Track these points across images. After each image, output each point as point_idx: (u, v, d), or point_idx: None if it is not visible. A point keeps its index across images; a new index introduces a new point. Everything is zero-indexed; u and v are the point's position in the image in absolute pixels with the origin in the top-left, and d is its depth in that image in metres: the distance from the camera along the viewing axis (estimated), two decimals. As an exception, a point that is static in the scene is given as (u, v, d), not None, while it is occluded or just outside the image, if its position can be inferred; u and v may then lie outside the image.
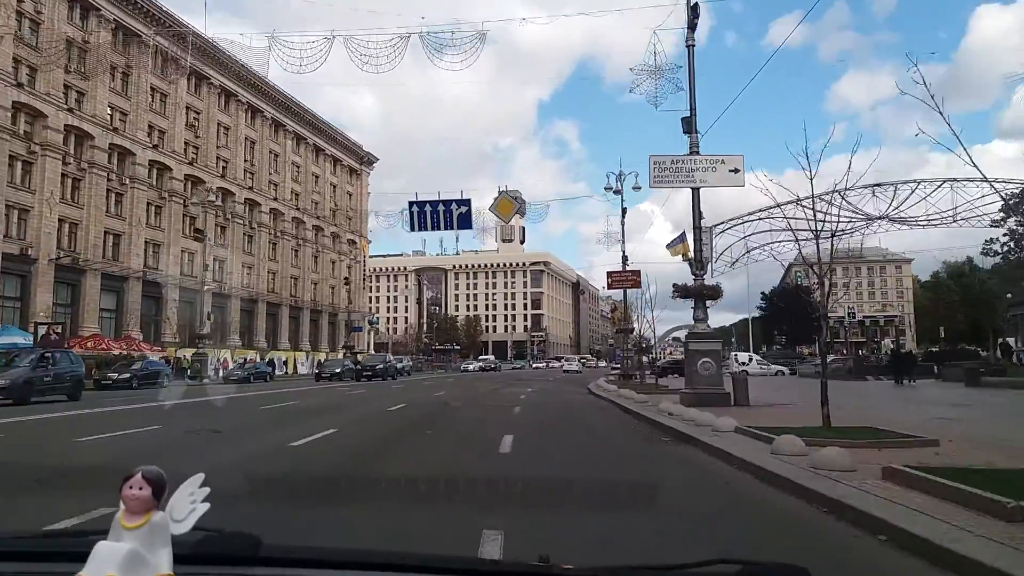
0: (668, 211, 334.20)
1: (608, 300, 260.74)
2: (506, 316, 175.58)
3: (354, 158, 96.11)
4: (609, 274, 44.71)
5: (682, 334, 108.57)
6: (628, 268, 44.27)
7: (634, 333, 47.57)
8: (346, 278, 79.64)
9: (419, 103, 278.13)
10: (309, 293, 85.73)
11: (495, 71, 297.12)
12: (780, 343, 74.60)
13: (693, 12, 22.33)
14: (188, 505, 1.51)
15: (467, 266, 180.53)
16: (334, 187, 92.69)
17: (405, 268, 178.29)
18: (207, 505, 1.51)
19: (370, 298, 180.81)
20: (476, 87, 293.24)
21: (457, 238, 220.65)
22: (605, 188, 44.13)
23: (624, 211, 44.15)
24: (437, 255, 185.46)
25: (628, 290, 45.52)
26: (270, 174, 79.55)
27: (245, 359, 58.09)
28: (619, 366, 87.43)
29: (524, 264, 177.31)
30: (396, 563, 1.71)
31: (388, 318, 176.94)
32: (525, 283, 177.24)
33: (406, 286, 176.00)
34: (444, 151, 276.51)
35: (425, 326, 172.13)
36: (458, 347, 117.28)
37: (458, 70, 28.95)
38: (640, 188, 44.20)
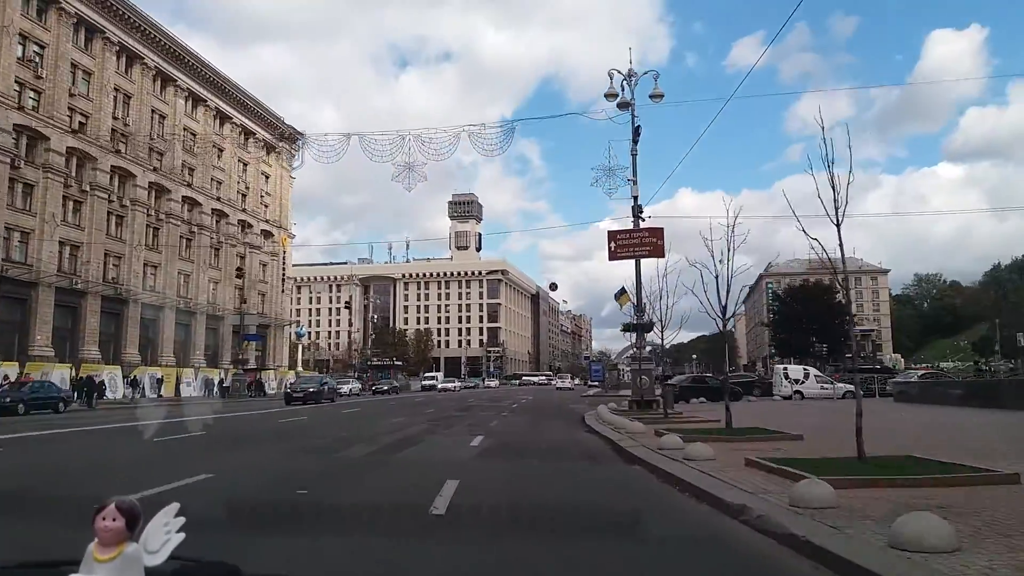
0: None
1: (568, 315, 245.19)
2: (460, 330, 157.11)
3: (272, 132, 77.19)
4: (613, 236, 26.94)
5: (645, 351, 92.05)
6: (642, 227, 26.62)
7: (650, 332, 29.53)
8: (239, 268, 60.66)
9: (382, 118, 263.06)
10: (206, 294, 66.44)
11: (459, 87, 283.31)
12: (811, 352, 58.37)
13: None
14: (163, 535, 1.44)
15: (418, 275, 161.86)
16: (244, 165, 73.71)
17: (350, 277, 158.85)
18: (182, 535, 1.42)
19: (310, 310, 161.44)
20: (439, 101, 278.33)
21: (407, 245, 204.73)
22: (607, 95, 26.37)
23: (637, 132, 26.46)
24: (385, 263, 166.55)
25: (639, 269, 27.98)
26: (152, 139, 60.43)
27: (5, 376, 38.24)
28: (597, 384, 70.01)
29: (480, 273, 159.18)
30: None
31: (329, 332, 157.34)
32: (481, 293, 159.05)
33: (350, 296, 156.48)
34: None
35: (371, 340, 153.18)
36: (400, 363, 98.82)
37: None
38: (661, 97, 26.63)
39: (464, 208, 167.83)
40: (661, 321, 21.59)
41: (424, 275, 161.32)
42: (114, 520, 1.42)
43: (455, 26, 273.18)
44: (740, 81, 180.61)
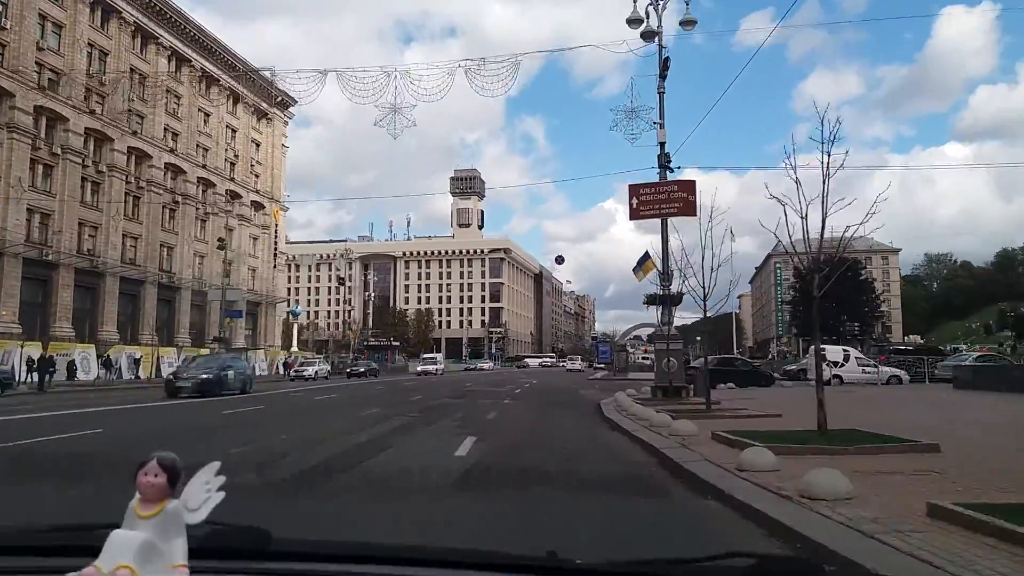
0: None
1: (571, 295, 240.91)
2: (462, 310, 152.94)
3: (263, 97, 72.67)
4: (636, 191, 22.71)
5: (646, 332, 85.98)
6: (671, 179, 22.40)
7: (679, 305, 25.11)
8: (220, 240, 56.33)
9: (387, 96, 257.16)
10: (191, 268, 62.29)
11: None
12: (839, 331, 53.88)
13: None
14: (203, 494, 1.44)
15: (419, 253, 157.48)
16: (232, 131, 69.31)
17: (346, 252, 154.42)
18: (222, 494, 1.43)
19: (308, 288, 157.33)
20: (445, 79, 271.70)
21: (408, 221, 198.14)
22: (629, 21, 22.01)
23: (666, 65, 22.13)
24: (386, 240, 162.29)
25: (663, 232, 23.69)
26: (131, 100, 55.99)
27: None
28: (604, 366, 65.85)
29: (483, 251, 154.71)
30: (406, 556, 1.66)
31: (329, 312, 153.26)
32: (483, 272, 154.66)
33: (350, 275, 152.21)
34: (412, 144, 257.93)
35: (370, 320, 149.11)
36: (397, 343, 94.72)
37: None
38: (694, 24, 22.29)
39: (466, 184, 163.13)
40: (704, 288, 17.06)
41: (425, 253, 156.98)
42: (156, 476, 1.40)
43: (460, 1, 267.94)
44: (751, 56, 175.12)
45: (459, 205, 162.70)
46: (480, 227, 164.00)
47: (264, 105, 72.67)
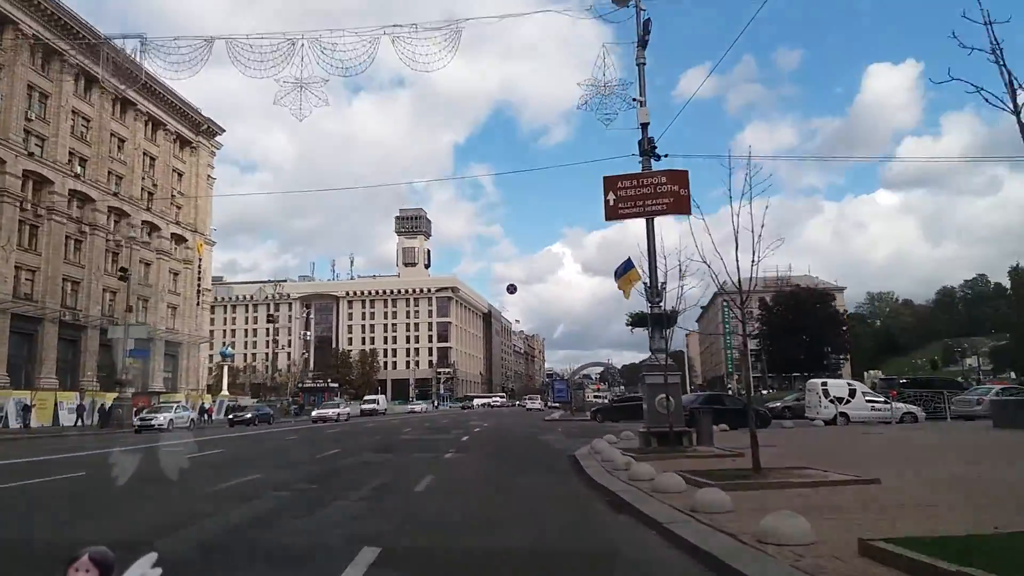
0: (579, 253, 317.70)
1: (521, 335, 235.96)
2: (408, 350, 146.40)
3: (186, 124, 66.67)
4: (613, 184, 17.84)
5: (595, 371, 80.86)
6: (657, 170, 17.49)
7: (672, 324, 19.65)
8: (123, 269, 49.37)
9: (335, 142, 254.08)
10: (99, 305, 55.37)
11: (412, 113, 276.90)
12: (821, 364, 49.51)
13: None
14: None
15: (363, 292, 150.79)
16: (151, 159, 62.96)
17: (288, 295, 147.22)
18: None
19: (246, 330, 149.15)
20: (393, 127, 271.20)
21: (352, 260, 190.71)
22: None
23: (647, 28, 17.45)
24: (328, 280, 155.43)
25: (648, 241, 19.02)
26: (28, 119, 49.63)
27: None
28: (559, 405, 60.54)
29: (430, 290, 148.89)
30: None
31: (267, 354, 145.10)
32: (430, 312, 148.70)
33: (289, 316, 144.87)
34: (359, 191, 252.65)
35: (311, 362, 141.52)
36: (336, 385, 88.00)
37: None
38: None
39: (412, 224, 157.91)
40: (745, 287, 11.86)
41: (369, 293, 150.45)
42: (87, 572, 1.36)
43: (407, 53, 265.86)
44: (682, 106, 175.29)
45: (405, 244, 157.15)
46: (427, 266, 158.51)
47: (187, 132, 66.71)
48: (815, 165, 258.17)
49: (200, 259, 67.72)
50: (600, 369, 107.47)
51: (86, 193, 54.33)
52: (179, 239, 65.69)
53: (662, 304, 16.60)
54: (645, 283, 16.93)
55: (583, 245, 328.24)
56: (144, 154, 61.59)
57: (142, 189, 61.13)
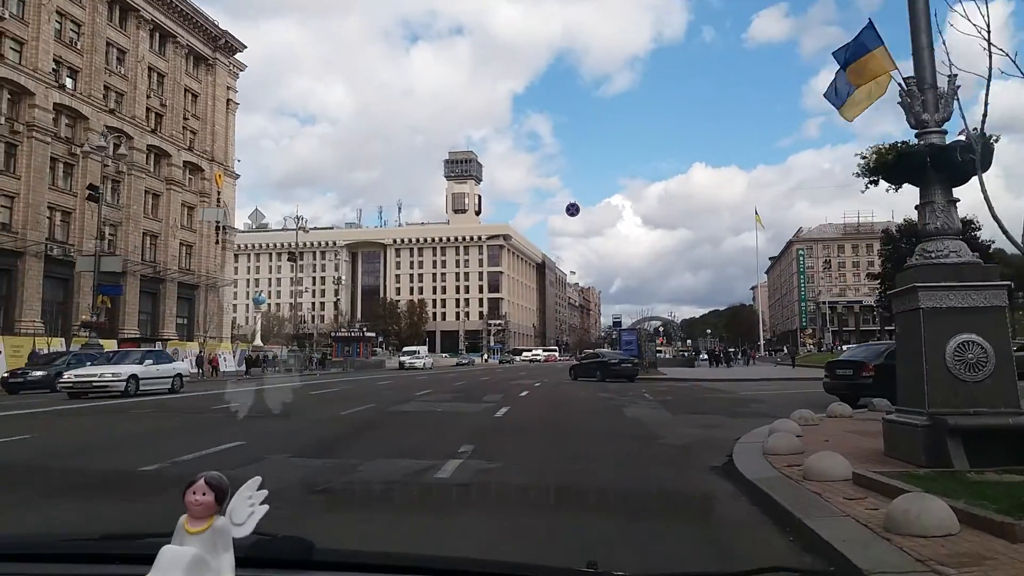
0: (639, 206, 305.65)
1: (576, 287, 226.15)
2: (458, 301, 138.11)
3: (200, 37, 58.11)
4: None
5: (653, 324, 69.37)
6: None
7: (980, 165, 9.19)
8: (92, 187, 41.00)
9: (393, 94, 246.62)
10: (94, 239, 47.70)
11: (471, 61, 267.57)
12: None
13: None
14: (247, 508, 1.48)
15: (411, 240, 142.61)
16: (159, 76, 54.68)
17: (335, 243, 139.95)
18: (266, 507, 1.47)
19: (291, 279, 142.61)
20: (452, 77, 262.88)
21: (400, 207, 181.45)
22: None
23: None
24: (375, 227, 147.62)
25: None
26: (1, 18, 41.57)
27: None
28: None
29: (480, 238, 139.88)
30: (449, 568, 1.65)
31: (314, 303, 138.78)
32: (481, 261, 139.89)
33: (336, 265, 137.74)
34: (418, 142, 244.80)
35: (347, 311, 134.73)
36: (373, 335, 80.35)
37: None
38: None
39: (462, 167, 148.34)
40: None
41: (418, 240, 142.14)
42: (204, 495, 1.45)
43: (467, 0, 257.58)
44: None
45: (454, 189, 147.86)
46: (477, 213, 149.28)
47: (201, 47, 58.19)
48: (890, 111, 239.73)
49: (220, 192, 59.65)
50: (658, 324, 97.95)
51: (76, 109, 46.41)
52: (194, 168, 57.71)
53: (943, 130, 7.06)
54: (907, 81, 7.33)
55: (643, 197, 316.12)
56: (150, 69, 53.30)
57: (148, 109, 52.98)
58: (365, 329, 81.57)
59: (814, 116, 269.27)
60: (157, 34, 54.06)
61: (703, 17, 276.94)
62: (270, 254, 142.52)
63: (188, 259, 56.97)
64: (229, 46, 61.59)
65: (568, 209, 39.66)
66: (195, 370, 40.92)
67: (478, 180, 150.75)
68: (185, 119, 56.88)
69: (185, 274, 55.84)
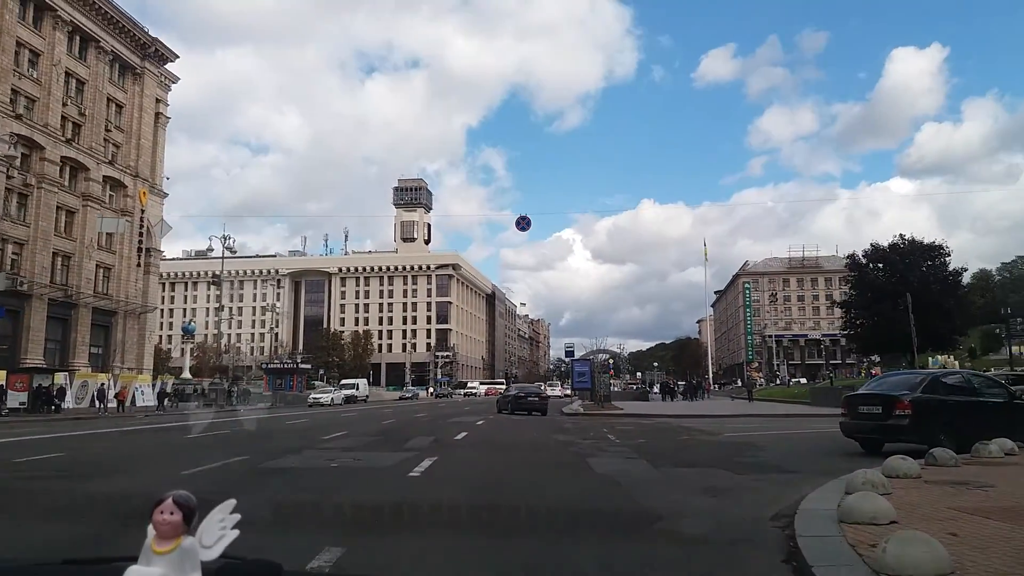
0: (589, 240, 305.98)
1: (526, 319, 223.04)
2: (405, 332, 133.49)
3: (127, 44, 53.79)
4: None
5: (601, 357, 64.33)
6: None
7: None
8: None
9: (347, 124, 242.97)
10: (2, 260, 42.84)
11: (426, 95, 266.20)
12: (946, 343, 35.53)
13: None
14: (218, 531, 1.44)
15: (357, 269, 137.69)
16: (78, 82, 50.13)
17: (277, 271, 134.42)
18: (237, 532, 1.43)
19: (231, 308, 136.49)
20: (407, 110, 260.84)
21: (346, 235, 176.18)
22: None
23: None
24: (320, 255, 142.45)
25: None
26: None
27: None
28: (575, 394, 47.94)
29: (429, 267, 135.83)
30: None
31: (253, 334, 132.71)
32: (429, 291, 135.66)
33: (278, 294, 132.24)
34: (373, 173, 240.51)
35: (301, 343, 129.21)
36: (308, 367, 75.40)
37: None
38: None
39: (411, 195, 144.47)
40: None
41: (364, 269, 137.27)
42: (172, 514, 1.43)
43: (424, 33, 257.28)
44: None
45: (404, 217, 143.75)
46: (427, 242, 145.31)
47: (128, 55, 53.85)
48: (831, 152, 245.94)
49: (143, 211, 54.89)
50: (606, 357, 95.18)
51: (-23, 114, 41.70)
52: (116, 184, 53.00)
53: None
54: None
55: (593, 232, 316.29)
56: (68, 75, 48.74)
57: (63, 118, 48.32)
58: (299, 361, 76.46)
59: (758, 155, 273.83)
60: (77, 37, 49.63)
61: (653, 56, 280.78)
62: (208, 283, 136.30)
63: (106, 283, 52.00)
64: (160, 55, 57.32)
65: (518, 223, 36.46)
66: (96, 405, 36.15)
67: (428, 208, 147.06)
68: (107, 131, 52.30)
69: (101, 299, 50.85)
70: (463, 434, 18.12)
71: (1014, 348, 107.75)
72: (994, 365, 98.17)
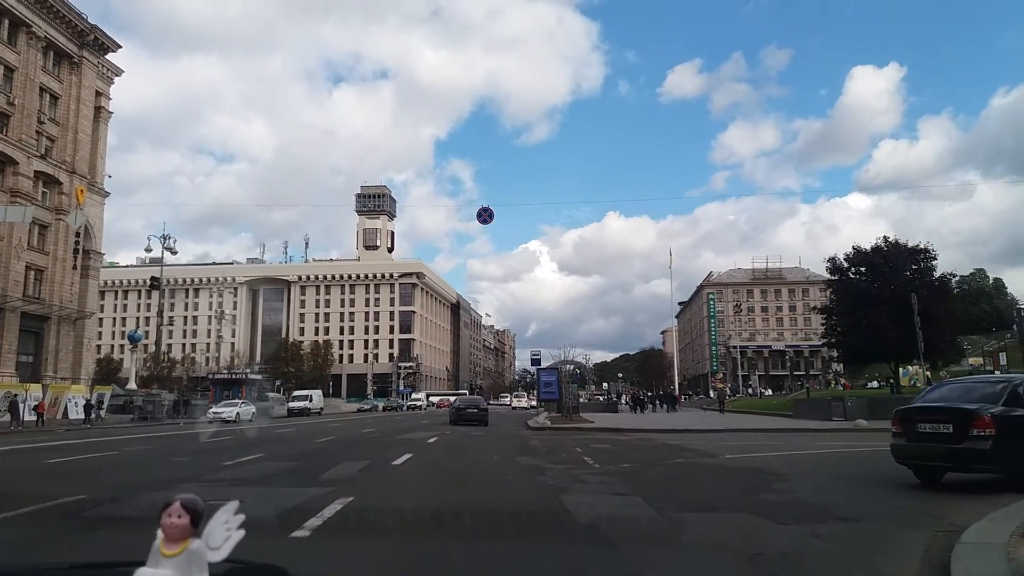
0: (556, 252, 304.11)
1: (491, 329, 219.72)
2: (367, 342, 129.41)
3: (63, 30, 49.84)
4: None
5: (567, 368, 59.70)
6: None
7: None
8: None
9: (314, 134, 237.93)
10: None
11: (394, 106, 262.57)
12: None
13: None
14: (224, 532, 1.46)
15: (318, 277, 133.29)
16: (8, 70, 46.10)
17: (234, 279, 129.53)
18: (243, 532, 1.44)
19: (185, 317, 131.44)
20: (375, 120, 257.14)
21: (307, 242, 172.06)
22: None
23: None
24: (280, 263, 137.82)
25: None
26: None
27: None
28: (542, 404, 44.94)
29: (392, 276, 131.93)
30: None
31: (209, 344, 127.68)
32: (392, 300, 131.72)
33: (235, 303, 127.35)
34: (339, 183, 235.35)
35: (259, 353, 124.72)
36: (258, 377, 71.33)
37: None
38: None
39: (374, 202, 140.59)
40: None
41: (325, 277, 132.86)
42: (179, 517, 1.45)
43: (392, 44, 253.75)
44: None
45: (366, 225, 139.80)
46: (390, 250, 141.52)
47: (65, 43, 49.92)
48: (792, 168, 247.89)
49: (81, 209, 50.79)
50: (572, 367, 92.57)
51: None
52: (49, 180, 48.97)
53: None
54: None
55: (560, 244, 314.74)
56: (-7, 61, 44.80)
57: (-12, 107, 44.35)
58: (248, 372, 72.35)
59: (721, 169, 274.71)
60: (6, 20, 45.69)
61: (619, 71, 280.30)
62: (165, 292, 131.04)
63: (38, 285, 47.88)
64: (100, 44, 53.37)
65: (479, 215, 33.27)
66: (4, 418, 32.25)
67: (391, 216, 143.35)
68: (40, 123, 48.30)
69: (32, 303, 46.72)
70: (405, 457, 14.79)
71: (972, 360, 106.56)
72: (956, 377, 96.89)
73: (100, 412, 42.02)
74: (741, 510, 7.65)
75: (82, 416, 41.44)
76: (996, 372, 73.58)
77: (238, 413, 41.35)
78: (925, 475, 9.35)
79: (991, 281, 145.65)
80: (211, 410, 42.59)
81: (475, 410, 35.51)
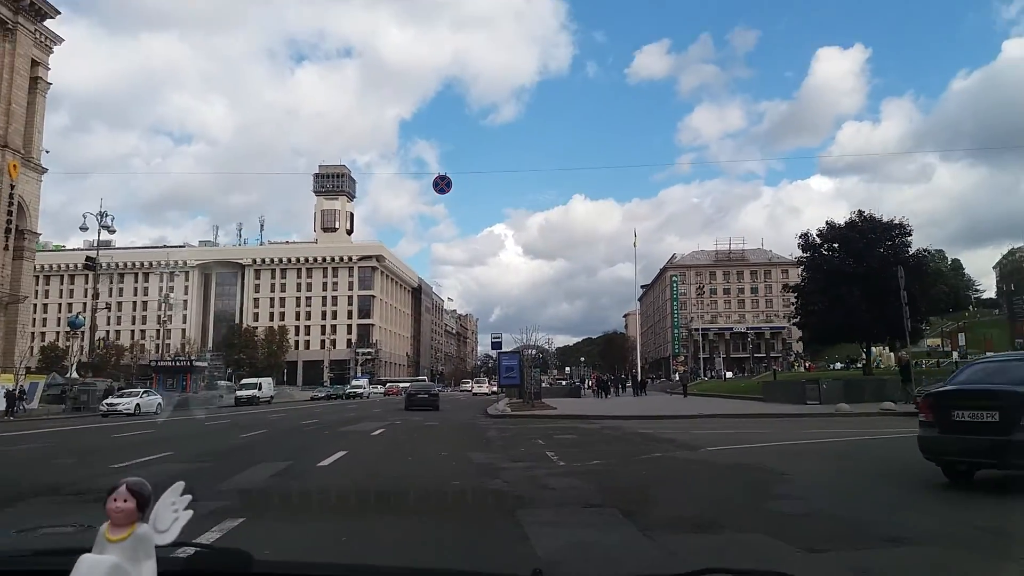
0: (521, 236, 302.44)
1: (453, 314, 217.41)
2: (324, 327, 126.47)
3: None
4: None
5: (529, 353, 57.33)
6: None
7: None
8: None
9: (276, 114, 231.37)
10: None
11: (358, 85, 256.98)
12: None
13: None
14: (171, 515, 1.42)
15: (273, 260, 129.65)
16: (-75, 33, 42.67)
17: (185, 263, 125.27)
18: (190, 513, 1.42)
19: (134, 303, 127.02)
20: (338, 100, 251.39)
21: (262, 224, 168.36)
22: None
23: None
24: (233, 246, 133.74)
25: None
26: None
27: None
28: (502, 391, 43.28)
29: (351, 259, 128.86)
30: None
31: (159, 330, 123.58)
32: (351, 284, 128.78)
33: (185, 287, 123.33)
34: (301, 164, 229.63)
35: (210, 339, 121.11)
36: (204, 364, 68.43)
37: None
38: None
39: (333, 182, 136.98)
40: None
41: (280, 260, 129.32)
42: (125, 501, 1.41)
43: (357, 21, 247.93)
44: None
45: (324, 206, 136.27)
46: (349, 232, 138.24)
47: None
48: (757, 150, 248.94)
49: (13, 185, 47.52)
50: (534, 352, 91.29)
51: None
52: (-25, 155, 45.65)
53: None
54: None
55: (525, 227, 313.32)
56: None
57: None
58: (194, 359, 69.44)
59: (687, 151, 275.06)
60: (-77, -19, 42.25)
61: (587, 52, 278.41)
62: (111, 275, 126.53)
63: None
64: (37, 9, 49.90)
65: (436, 184, 31.31)
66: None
67: (351, 196, 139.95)
68: (-36, 92, 44.95)
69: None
70: (338, 455, 12.68)
71: (930, 341, 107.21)
72: (915, 358, 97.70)
73: (23, 403, 39.16)
74: (751, 528, 5.96)
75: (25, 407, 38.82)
76: (954, 353, 73.79)
77: (138, 405, 36.97)
78: (954, 472, 7.77)
79: (949, 262, 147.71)
80: (105, 401, 38.68)
81: (426, 395, 37.62)
